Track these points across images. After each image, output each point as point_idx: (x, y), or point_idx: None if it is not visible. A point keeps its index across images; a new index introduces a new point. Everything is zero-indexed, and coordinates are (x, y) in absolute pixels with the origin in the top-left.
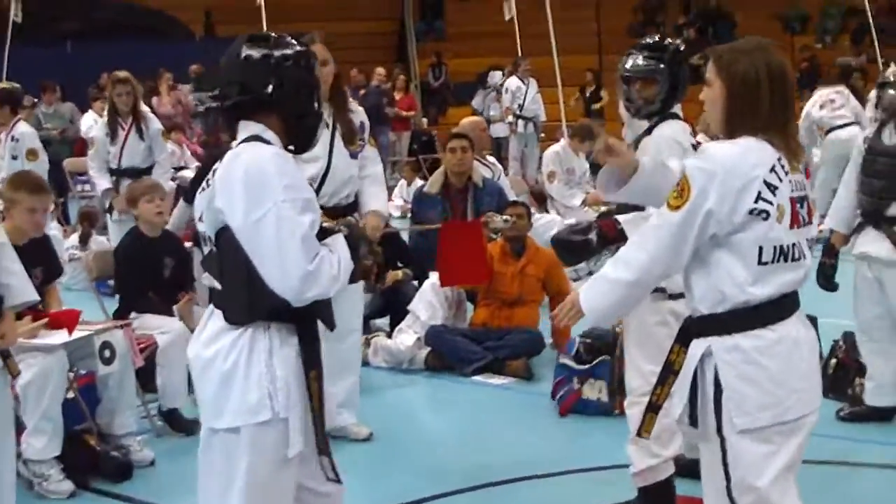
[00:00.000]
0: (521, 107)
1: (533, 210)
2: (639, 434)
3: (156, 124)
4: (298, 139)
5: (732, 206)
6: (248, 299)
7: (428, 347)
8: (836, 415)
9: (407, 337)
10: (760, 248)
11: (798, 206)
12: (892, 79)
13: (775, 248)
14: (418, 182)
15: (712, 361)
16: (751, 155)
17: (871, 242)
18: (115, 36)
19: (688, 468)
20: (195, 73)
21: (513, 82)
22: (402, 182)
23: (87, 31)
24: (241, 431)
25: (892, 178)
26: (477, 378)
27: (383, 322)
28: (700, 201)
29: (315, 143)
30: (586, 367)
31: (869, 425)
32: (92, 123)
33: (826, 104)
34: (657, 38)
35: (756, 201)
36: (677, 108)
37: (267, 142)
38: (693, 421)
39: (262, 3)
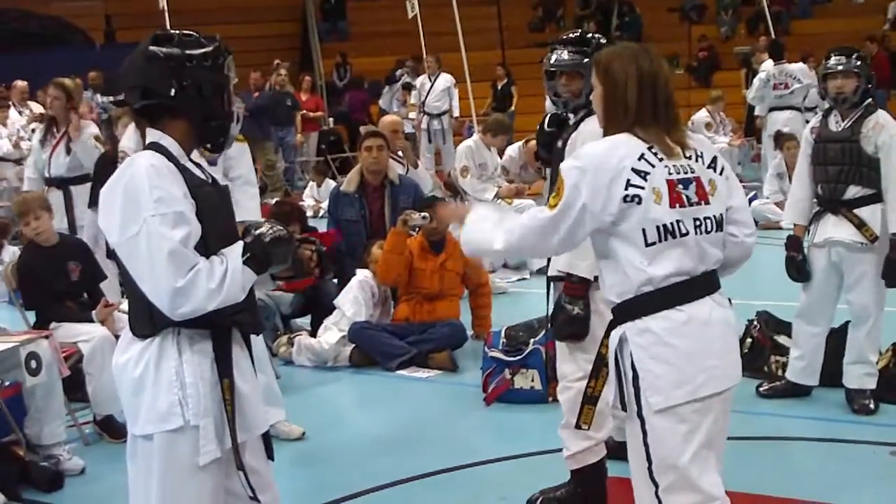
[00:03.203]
0: (423, 103)
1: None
2: (577, 427)
3: (89, 129)
4: (210, 140)
5: (605, 199)
6: (149, 312)
7: (352, 344)
8: (756, 392)
9: (331, 335)
10: (644, 231)
11: (680, 186)
12: (834, 68)
13: (658, 227)
14: (328, 182)
15: (628, 346)
16: (618, 149)
17: (833, 228)
18: (14, 44)
19: (618, 450)
20: (93, 80)
21: (420, 79)
22: (312, 183)
23: None
24: (154, 438)
25: (844, 162)
26: (402, 372)
27: (304, 321)
28: (573, 197)
29: (230, 142)
30: (518, 357)
31: (789, 401)
32: None
33: None
34: (581, 33)
35: (626, 188)
36: None
37: (164, 149)
38: (623, 405)
39: (165, 8)
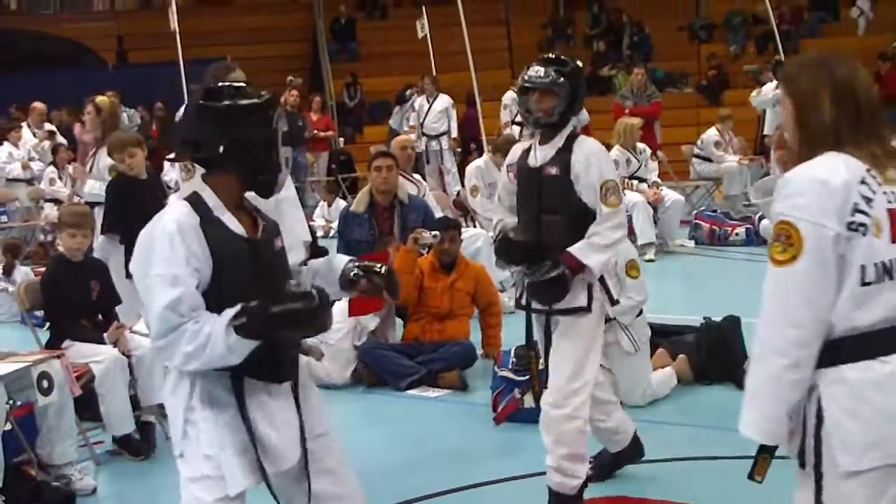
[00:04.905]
0: (421, 124)
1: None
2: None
3: (106, 160)
4: (258, 191)
5: (845, 225)
6: None
7: (354, 363)
8: None
9: (338, 366)
10: (863, 268)
11: None
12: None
13: (876, 265)
14: (338, 202)
15: (816, 394)
16: (838, 169)
17: None
18: (26, 66)
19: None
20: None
21: (418, 100)
22: (323, 203)
23: None
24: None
25: None
26: (412, 392)
27: (314, 341)
28: (818, 234)
29: (280, 188)
30: (528, 376)
31: None
32: (7, 154)
33: None
34: (558, 55)
35: (853, 214)
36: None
37: (200, 201)
38: (802, 461)
39: (177, 30)
